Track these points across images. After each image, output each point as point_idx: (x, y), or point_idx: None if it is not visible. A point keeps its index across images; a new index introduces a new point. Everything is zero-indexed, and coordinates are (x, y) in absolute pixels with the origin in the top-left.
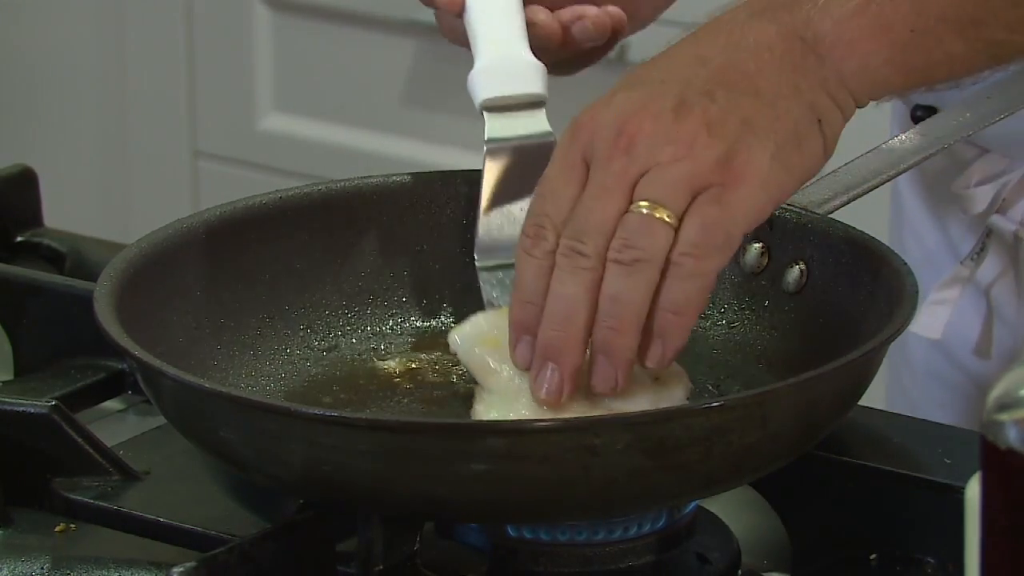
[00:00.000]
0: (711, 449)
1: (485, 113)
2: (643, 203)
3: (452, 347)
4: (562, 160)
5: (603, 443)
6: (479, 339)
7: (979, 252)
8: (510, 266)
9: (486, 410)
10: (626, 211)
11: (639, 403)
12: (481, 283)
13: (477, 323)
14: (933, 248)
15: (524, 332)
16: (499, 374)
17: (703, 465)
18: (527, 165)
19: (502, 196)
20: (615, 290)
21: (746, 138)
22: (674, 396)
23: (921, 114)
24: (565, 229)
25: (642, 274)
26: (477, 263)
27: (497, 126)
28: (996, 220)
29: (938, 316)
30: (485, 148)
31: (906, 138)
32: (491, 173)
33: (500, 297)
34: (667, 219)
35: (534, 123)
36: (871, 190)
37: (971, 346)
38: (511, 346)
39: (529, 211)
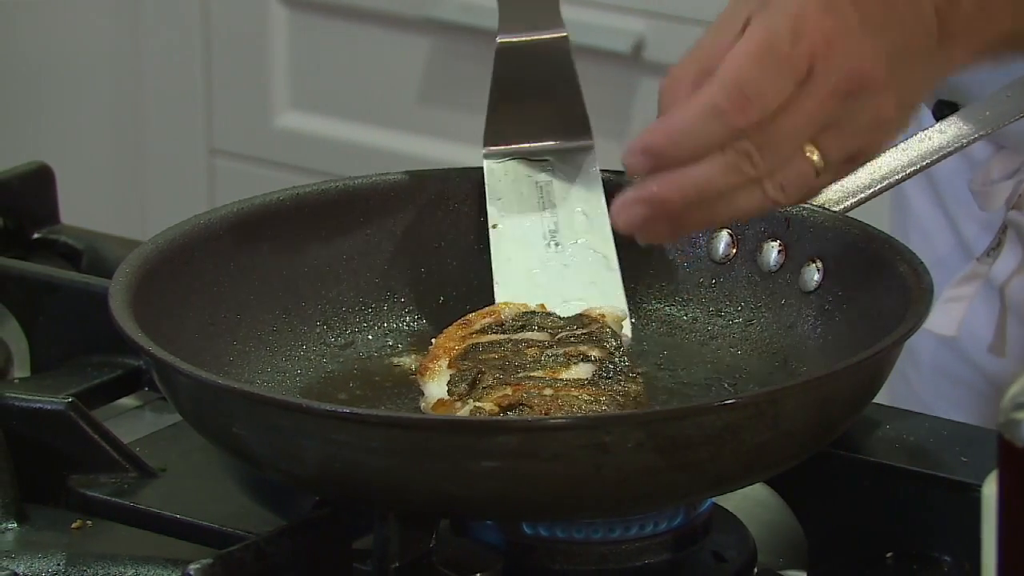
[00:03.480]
0: (723, 447)
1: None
2: (817, 155)
3: None
4: (788, 57)
5: (614, 441)
6: None
7: (995, 247)
8: (518, 157)
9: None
10: (804, 151)
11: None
12: (486, 172)
13: None
14: (942, 249)
15: (652, 158)
16: None
17: (715, 463)
18: (539, 63)
19: (512, 93)
20: (745, 206)
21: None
22: None
23: (945, 111)
24: (758, 126)
25: (766, 205)
26: (485, 150)
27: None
28: (1013, 215)
29: (953, 314)
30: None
31: (924, 136)
32: (501, 70)
33: (503, 190)
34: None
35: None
36: (889, 188)
37: (985, 344)
38: (634, 150)
39: (737, 76)
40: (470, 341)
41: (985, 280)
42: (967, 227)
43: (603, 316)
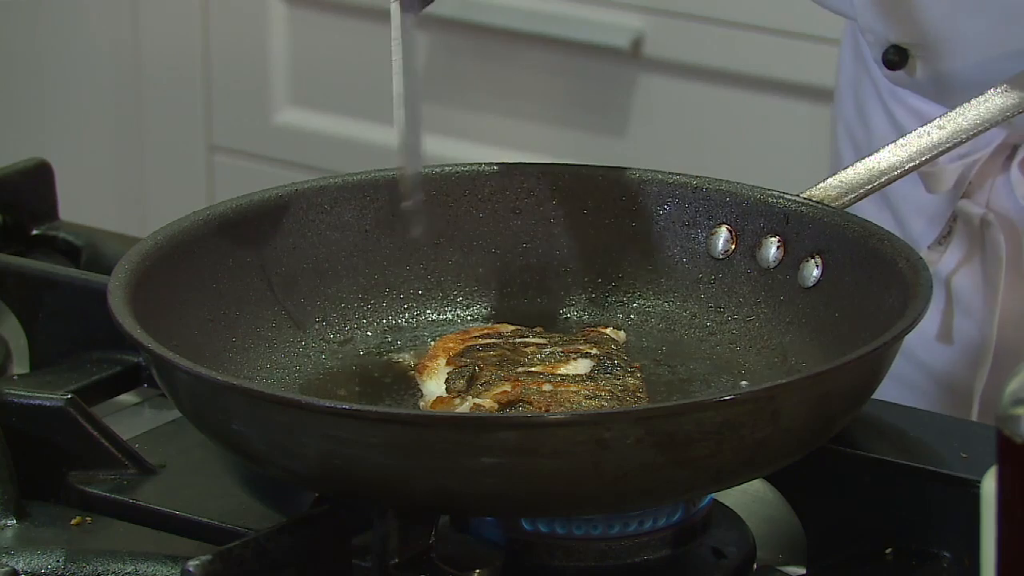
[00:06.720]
0: (722, 443)
1: None
2: None
3: None
4: None
5: (614, 437)
6: None
7: (945, 236)
8: None
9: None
10: None
11: None
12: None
13: None
14: None
15: None
16: None
17: (714, 459)
18: None
19: None
20: None
21: None
22: None
23: (894, 57)
24: None
25: None
26: None
27: None
28: (963, 204)
29: None
30: None
31: (923, 132)
32: None
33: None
34: None
35: None
36: (887, 184)
37: (929, 339)
38: None
39: None
40: (469, 343)
41: (932, 272)
42: (913, 223)
43: (603, 332)
